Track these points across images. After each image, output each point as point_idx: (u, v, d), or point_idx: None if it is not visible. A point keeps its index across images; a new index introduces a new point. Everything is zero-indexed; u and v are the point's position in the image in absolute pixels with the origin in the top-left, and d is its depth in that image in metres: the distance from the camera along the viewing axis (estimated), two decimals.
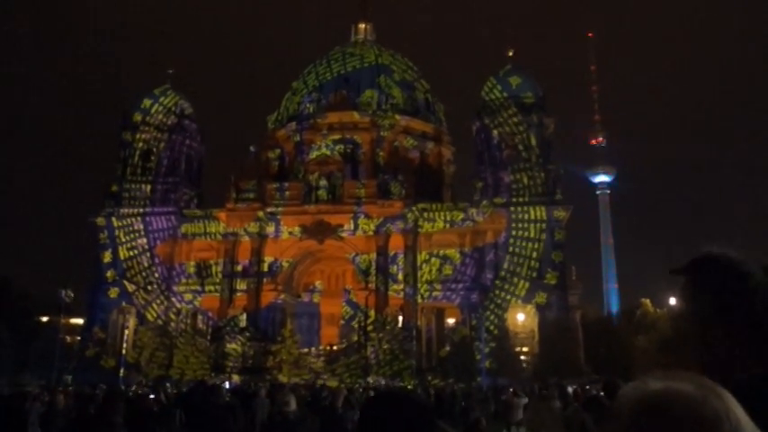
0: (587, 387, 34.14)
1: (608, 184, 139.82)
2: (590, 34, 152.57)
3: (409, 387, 49.01)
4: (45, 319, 71.55)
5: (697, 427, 0.97)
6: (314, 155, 76.01)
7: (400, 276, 70.58)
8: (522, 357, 64.61)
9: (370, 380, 57.54)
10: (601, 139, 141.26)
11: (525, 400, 20.50)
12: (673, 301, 78.93)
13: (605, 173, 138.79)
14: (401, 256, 71.25)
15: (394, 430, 2.07)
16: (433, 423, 2.16)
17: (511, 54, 78.03)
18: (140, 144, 79.59)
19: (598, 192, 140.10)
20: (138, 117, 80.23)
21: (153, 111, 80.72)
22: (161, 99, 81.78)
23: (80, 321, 76.38)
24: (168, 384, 48.89)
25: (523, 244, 68.96)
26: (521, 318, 66.05)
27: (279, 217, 73.80)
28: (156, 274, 74.84)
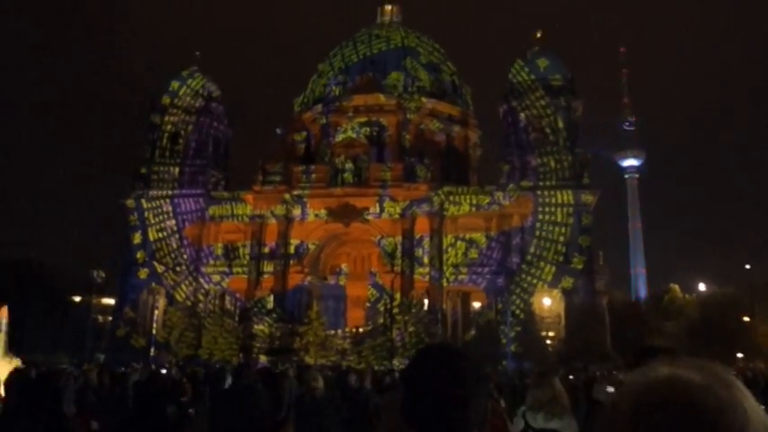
0: (614, 372, 33.92)
1: (636, 169, 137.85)
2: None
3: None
4: (78, 299, 73.00)
5: (698, 417, 0.93)
6: (340, 137, 76.11)
7: (426, 260, 70.61)
8: (548, 342, 64.44)
9: (396, 362, 57.81)
10: (630, 122, 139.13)
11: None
12: (702, 286, 78.10)
13: (634, 157, 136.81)
14: (427, 240, 71.24)
15: (443, 379, 2.01)
16: (482, 374, 2.11)
17: (539, 36, 77.03)
18: (168, 126, 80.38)
19: (626, 176, 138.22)
20: (166, 100, 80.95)
21: (181, 93, 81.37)
22: (189, 81, 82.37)
23: (111, 301, 77.86)
24: (198, 366, 49.64)
25: (550, 228, 68.48)
26: (547, 302, 65.78)
27: (305, 200, 74.17)
28: (185, 256, 75.84)
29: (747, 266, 71.58)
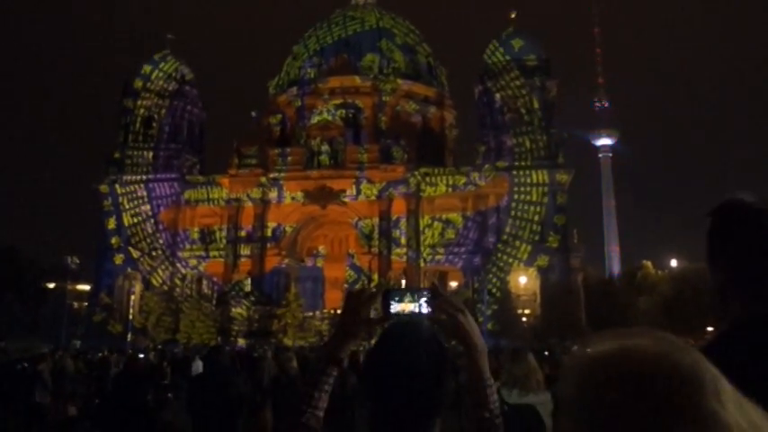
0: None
1: (610, 147, 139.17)
2: None
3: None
4: (52, 285, 72.28)
5: (651, 382, 0.89)
6: (315, 120, 75.84)
7: (403, 240, 71.01)
8: (524, 319, 65.28)
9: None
10: (604, 102, 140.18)
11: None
12: (674, 262, 79.51)
13: (608, 136, 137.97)
14: (404, 221, 71.60)
15: (409, 351, 2.04)
16: (443, 347, 2.13)
17: (513, 16, 77.16)
18: (141, 111, 79.45)
19: (600, 155, 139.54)
20: (138, 83, 79.93)
21: (153, 77, 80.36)
22: (161, 65, 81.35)
23: (87, 287, 77.23)
24: (176, 350, 49.60)
25: (526, 207, 69.17)
26: (523, 280, 66.57)
27: (281, 182, 73.99)
28: (161, 241, 75.42)
29: None
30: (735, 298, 1.73)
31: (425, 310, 2.10)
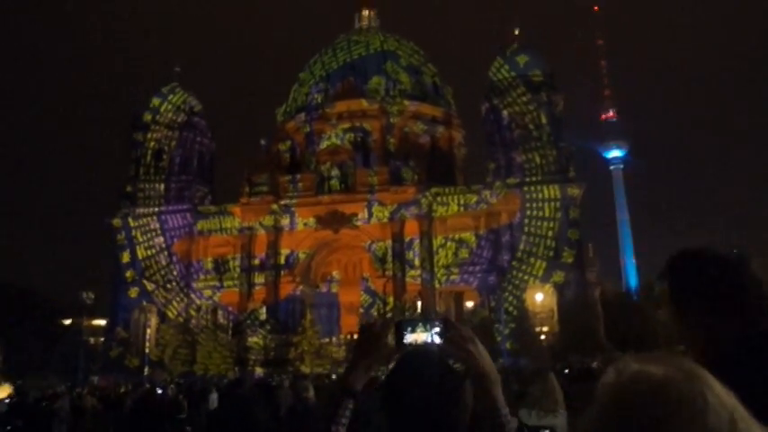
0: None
1: (621, 159, 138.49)
2: (596, 8, 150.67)
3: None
4: (68, 322, 72.33)
5: (659, 409, 0.98)
6: (324, 145, 76.08)
7: (417, 262, 70.63)
8: (543, 337, 64.50)
9: (393, 366, 57.73)
10: (612, 113, 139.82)
11: None
12: None
13: (618, 147, 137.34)
14: (417, 242, 71.28)
15: (425, 383, 2.15)
16: (459, 378, 2.19)
17: (517, 33, 77.31)
18: (152, 143, 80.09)
19: (612, 167, 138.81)
20: (148, 117, 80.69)
21: (162, 109, 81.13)
22: (170, 97, 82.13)
23: (102, 322, 77.27)
24: (194, 382, 49.31)
25: (539, 223, 68.71)
26: (539, 297, 65.87)
27: (293, 209, 74.05)
28: (175, 272, 75.49)
29: (734, 251, 72.07)
30: (696, 328, 2.09)
31: (438, 340, 2.17)
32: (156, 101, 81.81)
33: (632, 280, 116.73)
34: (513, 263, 68.15)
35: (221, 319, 74.18)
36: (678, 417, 0.98)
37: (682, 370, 1.05)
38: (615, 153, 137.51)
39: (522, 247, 68.47)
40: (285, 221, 74.46)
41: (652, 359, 1.08)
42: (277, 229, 74.29)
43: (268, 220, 73.98)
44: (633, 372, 1.07)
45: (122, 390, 30.12)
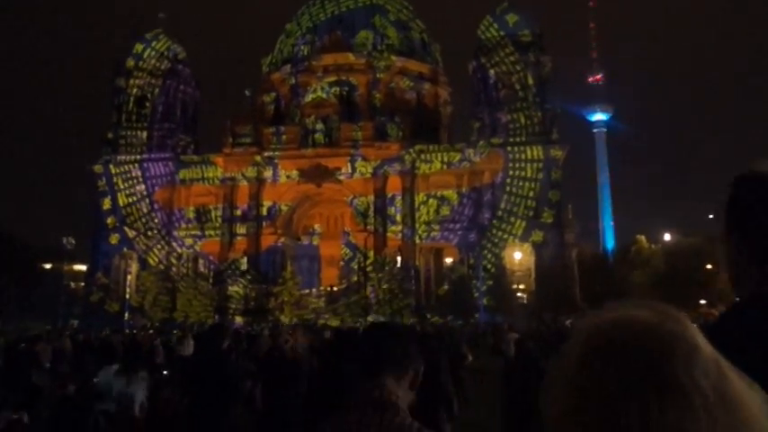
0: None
1: (605, 123, 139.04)
2: None
3: (408, 324, 50.16)
4: (48, 266, 72.46)
5: (652, 347, 0.96)
6: (309, 98, 75.55)
7: (398, 218, 71.17)
8: (519, 294, 65.78)
9: (371, 318, 58.78)
10: (599, 77, 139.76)
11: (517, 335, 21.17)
12: (667, 236, 79.97)
13: (602, 111, 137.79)
14: (399, 198, 71.69)
15: (379, 347, 2.58)
16: (409, 344, 2.67)
17: None
18: (134, 90, 79.02)
19: (595, 130, 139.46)
20: (130, 63, 79.39)
21: (146, 56, 79.81)
22: (153, 44, 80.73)
23: (83, 268, 77.43)
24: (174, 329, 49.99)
25: (520, 183, 69.28)
26: (518, 256, 66.93)
27: (276, 161, 73.93)
28: (156, 220, 75.46)
29: (710, 216, 73.39)
30: (751, 269, 1.68)
31: None
32: (139, 46, 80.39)
33: (609, 242, 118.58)
34: (494, 221, 68.90)
35: (202, 268, 74.65)
36: (674, 355, 0.95)
37: (665, 313, 1.02)
38: (599, 116, 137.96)
39: (502, 206, 69.14)
40: (268, 173, 74.40)
41: (631, 305, 1.05)
42: (259, 181, 74.27)
43: (251, 172, 73.86)
44: (617, 316, 1.03)
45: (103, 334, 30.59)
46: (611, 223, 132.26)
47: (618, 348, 0.97)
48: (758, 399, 0.98)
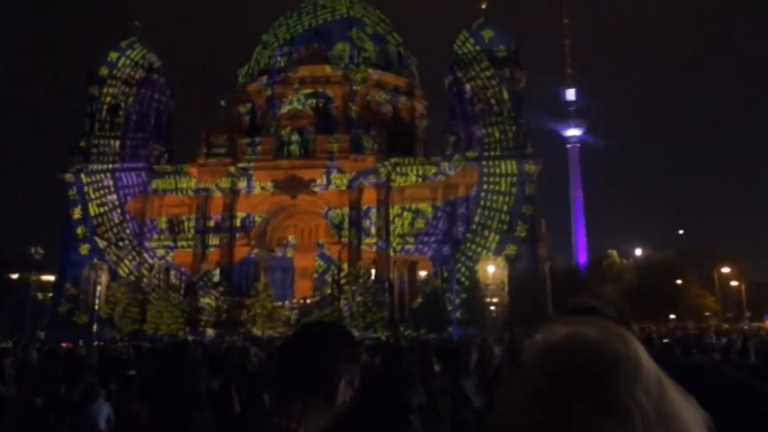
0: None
1: (578, 138, 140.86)
2: None
3: (382, 338, 50.03)
4: (15, 276, 71.04)
5: (596, 364, 1.00)
6: (285, 109, 75.41)
7: (373, 230, 71.14)
8: (492, 308, 66.03)
9: None
10: (572, 92, 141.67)
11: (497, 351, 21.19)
12: (638, 251, 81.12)
13: (576, 126, 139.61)
14: (374, 211, 71.69)
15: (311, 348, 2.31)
16: (342, 346, 2.37)
17: (484, 6, 77.36)
18: (108, 98, 78.09)
19: (569, 145, 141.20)
20: (104, 71, 78.52)
21: (120, 64, 79.04)
22: (128, 52, 80.00)
23: (51, 278, 76.04)
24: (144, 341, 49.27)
25: (494, 197, 69.71)
26: (491, 270, 67.24)
27: (251, 172, 73.54)
28: (128, 231, 74.43)
29: (681, 231, 74.76)
30: None
31: None
32: (113, 55, 79.57)
33: (582, 257, 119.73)
34: (468, 235, 69.19)
35: (174, 280, 73.72)
36: (618, 371, 1.00)
37: (611, 330, 1.07)
38: (573, 131, 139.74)
39: (477, 219, 69.48)
40: (242, 184, 73.96)
41: (579, 322, 1.10)
42: (234, 192, 73.79)
43: (225, 183, 73.38)
44: (565, 333, 1.08)
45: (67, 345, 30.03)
46: (584, 238, 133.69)
47: (562, 369, 1.02)
48: (693, 412, 1.04)
